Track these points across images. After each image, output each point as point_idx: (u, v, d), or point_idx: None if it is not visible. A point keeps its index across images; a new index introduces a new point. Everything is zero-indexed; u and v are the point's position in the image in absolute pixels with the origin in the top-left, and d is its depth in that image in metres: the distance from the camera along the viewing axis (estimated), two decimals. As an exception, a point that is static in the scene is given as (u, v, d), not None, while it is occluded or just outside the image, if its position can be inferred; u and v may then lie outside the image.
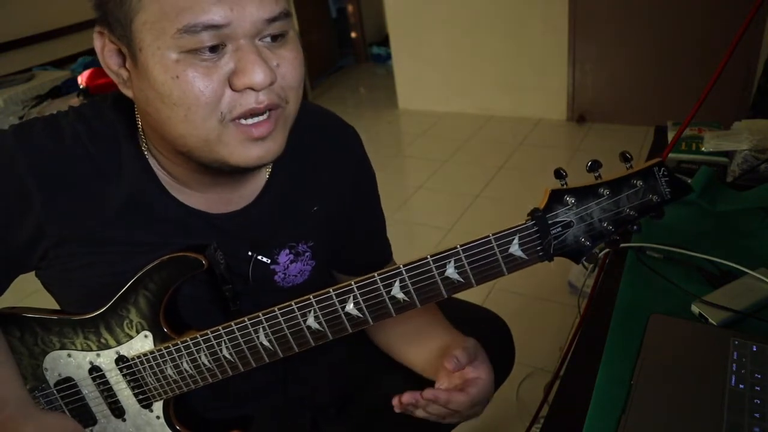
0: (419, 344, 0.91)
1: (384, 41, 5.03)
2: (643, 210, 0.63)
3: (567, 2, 3.33)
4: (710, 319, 0.79)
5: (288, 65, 0.66)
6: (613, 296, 0.88)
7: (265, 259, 0.83)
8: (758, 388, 0.66)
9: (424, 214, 2.90)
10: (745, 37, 0.91)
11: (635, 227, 0.65)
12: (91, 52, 4.03)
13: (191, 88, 0.61)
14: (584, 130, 3.54)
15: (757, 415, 0.63)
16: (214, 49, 0.60)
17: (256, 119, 0.65)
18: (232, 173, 0.73)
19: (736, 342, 0.73)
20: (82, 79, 3.39)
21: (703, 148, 1.22)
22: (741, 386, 0.67)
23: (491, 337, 1.06)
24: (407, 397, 0.75)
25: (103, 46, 0.66)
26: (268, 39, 0.64)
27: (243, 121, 0.64)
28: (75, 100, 3.38)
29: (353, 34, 5.41)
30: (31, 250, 0.75)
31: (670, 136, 1.29)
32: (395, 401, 0.75)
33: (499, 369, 1.08)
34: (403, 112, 4.21)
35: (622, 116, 3.49)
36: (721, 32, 2.89)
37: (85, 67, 3.58)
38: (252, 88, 0.62)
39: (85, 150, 0.73)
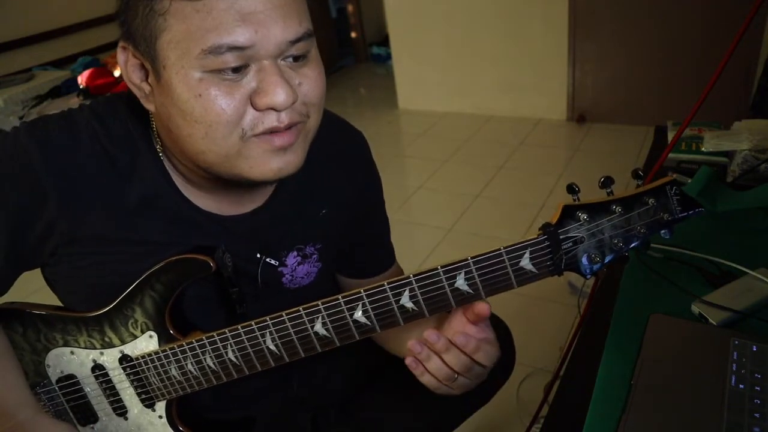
0: (415, 331, 0.86)
1: (384, 41, 5.03)
2: (653, 227, 0.63)
3: (567, 2, 3.34)
4: (710, 319, 0.79)
5: (310, 83, 0.66)
6: (613, 296, 0.88)
7: (273, 262, 0.83)
8: (758, 388, 0.66)
9: (424, 214, 2.90)
10: (745, 37, 0.91)
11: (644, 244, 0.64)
12: (91, 52, 4.04)
13: (213, 106, 0.61)
14: (584, 130, 3.54)
15: (757, 415, 0.63)
16: (237, 69, 0.60)
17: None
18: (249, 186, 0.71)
19: (736, 342, 0.73)
20: (82, 79, 3.39)
21: (703, 148, 1.23)
22: (741, 386, 0.67)
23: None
24: (432, 335, 0.69)
25: (126, 60, 0.67)
26: (291, 59, 0.64)
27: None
28: (75, 100, 3.38)
29: (353, 34, 5.41)
30: (42, 247, 0.74)
31: (670, 136, 1.29)
32: (411, 344, 0.70)
33: (500, 370, 1.08)
34: (403, 112, 4.21)
35: (622, 116, 3.49)
36: (721, 32, 2.90)
37: (85, 67, 3.57)
38: (274, 108, 0.62)
39: (101, 148, 0.72)
